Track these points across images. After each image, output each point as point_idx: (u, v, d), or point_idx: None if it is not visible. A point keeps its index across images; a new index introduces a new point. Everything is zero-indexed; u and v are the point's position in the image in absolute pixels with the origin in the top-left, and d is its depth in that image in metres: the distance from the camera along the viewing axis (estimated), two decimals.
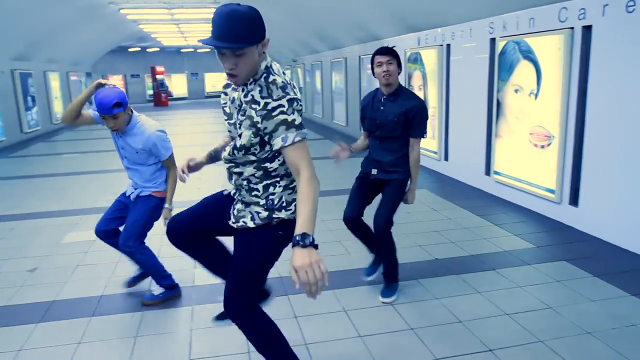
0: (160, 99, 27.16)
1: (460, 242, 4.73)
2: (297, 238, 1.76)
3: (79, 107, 3.40)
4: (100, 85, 3.32)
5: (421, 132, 3.49)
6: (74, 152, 11.30)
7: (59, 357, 2.96)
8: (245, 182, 2.13)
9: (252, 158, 2.07)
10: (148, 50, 29.95)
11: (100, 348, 3.06)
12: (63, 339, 3.15)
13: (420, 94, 8.31)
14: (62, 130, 16.26)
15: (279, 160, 2.09)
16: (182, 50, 31.48)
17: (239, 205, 2.20)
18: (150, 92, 30.83)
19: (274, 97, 1.93)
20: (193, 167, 2.43)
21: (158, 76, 27.33)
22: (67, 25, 13.56)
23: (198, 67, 32.34)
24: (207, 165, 2.55)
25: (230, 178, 2.22)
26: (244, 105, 2.01)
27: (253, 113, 1.96)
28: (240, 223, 2.16)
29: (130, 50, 28.71)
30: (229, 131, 2.18)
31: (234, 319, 2.25)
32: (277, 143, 1.94)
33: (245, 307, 2.25)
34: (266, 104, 1.93)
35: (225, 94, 2.16)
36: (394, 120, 3.42)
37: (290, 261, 1.75)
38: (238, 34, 1.85)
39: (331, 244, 4.72)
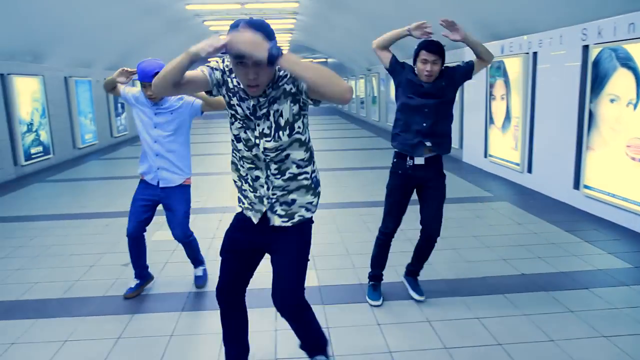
0: None
1: (548, 258, 4.51)
2: (275, 46, 1.85)
3: (113, 82, 3.68)
4: (127, 72, 3.61)
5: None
6: None
7: (153, 347, 3.11)
8: (294, 167, 2.14)
9: (298, 137, 2.12)
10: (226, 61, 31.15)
11: (191, 342, 3.19)
12: (156, 331, 3.32)
13: (502, 104, 8.05)
14: None
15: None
16: None
17: (280, 207, 2.20)
18: None
19: None
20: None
21: None
22: (155, 37, 14.39)
23: None
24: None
25: (267, 168, 2.15)
26: (272, 106, 2.06)
27: (288, 86, 2.04)
28: (297, 219, 2.23)
29: (209, 60, 30.00)
30: (241, 119, 2.12)
31: (299, 315, 2.33)
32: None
33: (304, 300, 2.33)
34: (292, 76, 2.02)
35: (228, 76, 2.11)
36: (442, 99, 3.38)
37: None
38: (267, 35, 1.90)
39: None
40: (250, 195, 2.24)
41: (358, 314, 3.52)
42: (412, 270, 3.79)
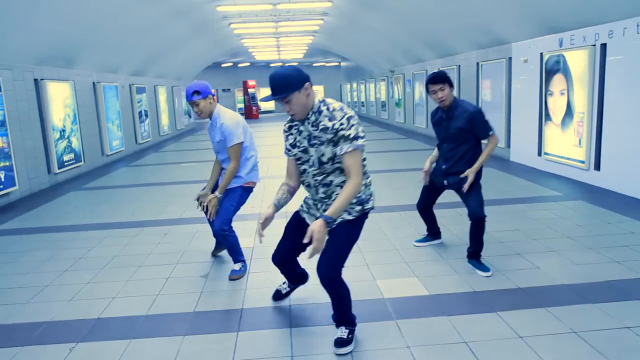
0: (252, 111, 27.86)
1: None
2: (328, 217, 2.61)
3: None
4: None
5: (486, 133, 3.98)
6: (191, 162, 11.57)
7: None
8: (338, 189, 2.74)
9: (340, 166, 2.70)
10: (239, 65, 30.90)
11: None
12: (276, 350, 2.96)
13: (562, 99, 7.69)
14: (169, 141, 16.93)
15: None
16: (271, 65, 32.22)
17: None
18: (240, 105, 31.78)
19: (338, 119, 2.65)
20: (264, 224, 2.82)
21: (250, 90, 28.07)
22: (181, 41, 14.11)
23: None
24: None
25: (316, 192, 2.83)
26: (314, 133, 2.70)
27: (329, 135, 2.65)
28: (339, 220, 2.75)
29: (223, 65, 29.76)
30: (295, 157, 2.86)
31: (332, 286, 2.78)
32: (339, 151, 2.67)
33: (338, 275, 2.80)
34: (333, 125, 2.64)
35: (289, 132, 2.87)
36: (455, 133, 3.96)
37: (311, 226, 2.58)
38: (280, 88, 2.61)
39: (511, 257, 4.29)
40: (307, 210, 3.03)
41: (491, 324, 3.15)
42: (473, 252, 4.10)
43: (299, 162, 2.84)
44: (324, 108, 2.68)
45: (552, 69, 7.89)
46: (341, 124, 2.61)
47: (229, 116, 4.03)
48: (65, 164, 9.59)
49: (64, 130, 9.56)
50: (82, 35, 9.47)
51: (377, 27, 13.70)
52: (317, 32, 17.27)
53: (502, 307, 3.36)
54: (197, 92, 3.87)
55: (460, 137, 3.95)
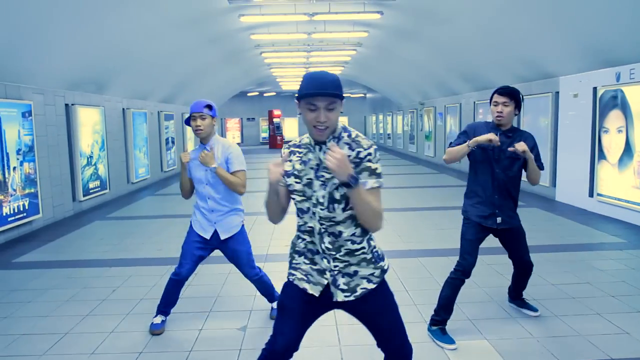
0: (276, 141, 27.70)
1: None
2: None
3: (189, 181, 3.69)
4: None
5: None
6: None
7: None
8: (349, 243, 2.14)
9: (353, 213, 2.10)
10: (265, 94, 30.94)
11: None
12: None
13: (619, 137, 7.16)
14: None
15: None
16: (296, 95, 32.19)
17: (342, 279, 2.17)
18: (264, 134, 31.68)
19: (364, 147, 2.09)
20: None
21: (275, 119, 27.95)
22: (210, 68, 13.98)
23: None
24: None
25: (320, 241, 2.16)
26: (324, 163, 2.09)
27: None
28: (360, 292, 2.18)
29: (249, 94, 29.81)
30: (300, 192, 2.16)
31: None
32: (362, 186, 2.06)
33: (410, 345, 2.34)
34: (358, 152, 2.08)
35: (289, 157, 2.21)
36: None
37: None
38: (335, 87, 2.04)
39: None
40: (306, 267, 2.23)
41: None
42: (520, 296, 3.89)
43: (296, 197, 2.18)
44: (345, 134, 2.12)
45: (608, 104, 7.39)
46: (368, 154, 2.07)
47: (231, 141, 3.75)
48: (91, 191, 9.32)
49: (91, 157, 9.33)
50: (115, 60, 9.32)
51: (411, 58, 13.39)
52: (347, 63, 17.05)
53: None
54: (209, 106, 3.52)
55: (514, 164, 3.55)
